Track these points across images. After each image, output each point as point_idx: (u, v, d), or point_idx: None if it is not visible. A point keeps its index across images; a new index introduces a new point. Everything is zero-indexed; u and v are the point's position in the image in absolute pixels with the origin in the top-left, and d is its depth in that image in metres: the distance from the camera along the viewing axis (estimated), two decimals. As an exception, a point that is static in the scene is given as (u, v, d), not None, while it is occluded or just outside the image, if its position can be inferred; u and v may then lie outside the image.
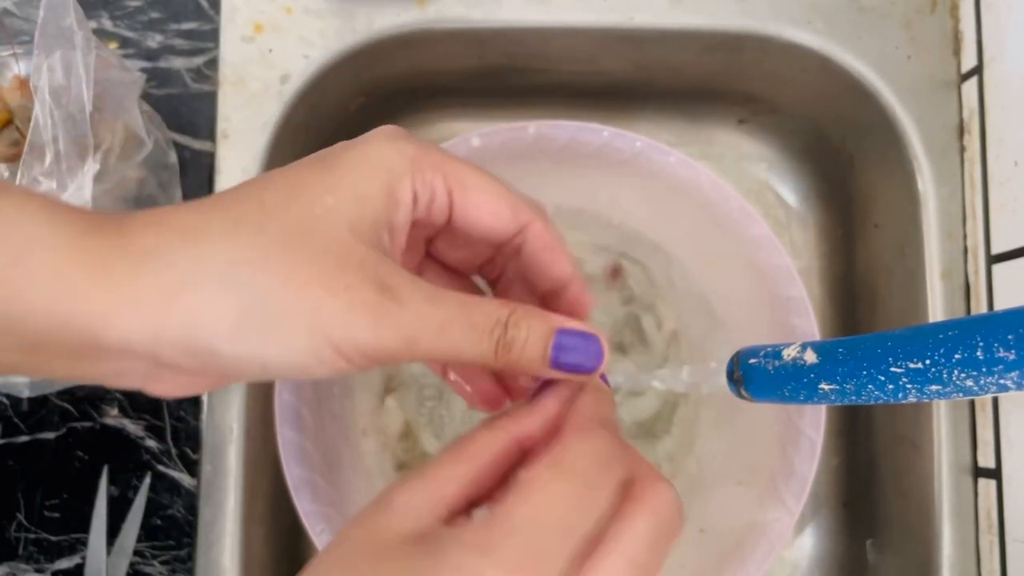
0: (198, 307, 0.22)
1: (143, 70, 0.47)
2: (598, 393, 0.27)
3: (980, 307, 0.45)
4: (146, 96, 0.47)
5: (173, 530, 0.45)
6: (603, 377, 0.28)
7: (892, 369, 0.24)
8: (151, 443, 0.46)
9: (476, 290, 0.33)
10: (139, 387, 0.25)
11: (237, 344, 0.23)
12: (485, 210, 0.27)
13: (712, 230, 0.44)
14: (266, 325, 0.23)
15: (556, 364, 0.25)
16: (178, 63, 0.48)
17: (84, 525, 0.45)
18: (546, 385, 0.27)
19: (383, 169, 0.26)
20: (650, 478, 0.24)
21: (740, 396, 0.30)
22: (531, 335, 0.25)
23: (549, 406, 0.26)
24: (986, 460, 0.44)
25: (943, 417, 0.45)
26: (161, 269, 0.22)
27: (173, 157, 0.46)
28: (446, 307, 0.24)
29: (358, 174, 0.25)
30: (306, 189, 0.25)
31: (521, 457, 0.25)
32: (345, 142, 0.27)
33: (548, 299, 0.30)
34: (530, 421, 0.26)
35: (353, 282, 0.23)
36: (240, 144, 0.46)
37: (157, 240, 0.23)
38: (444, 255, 0.31)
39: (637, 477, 0.23)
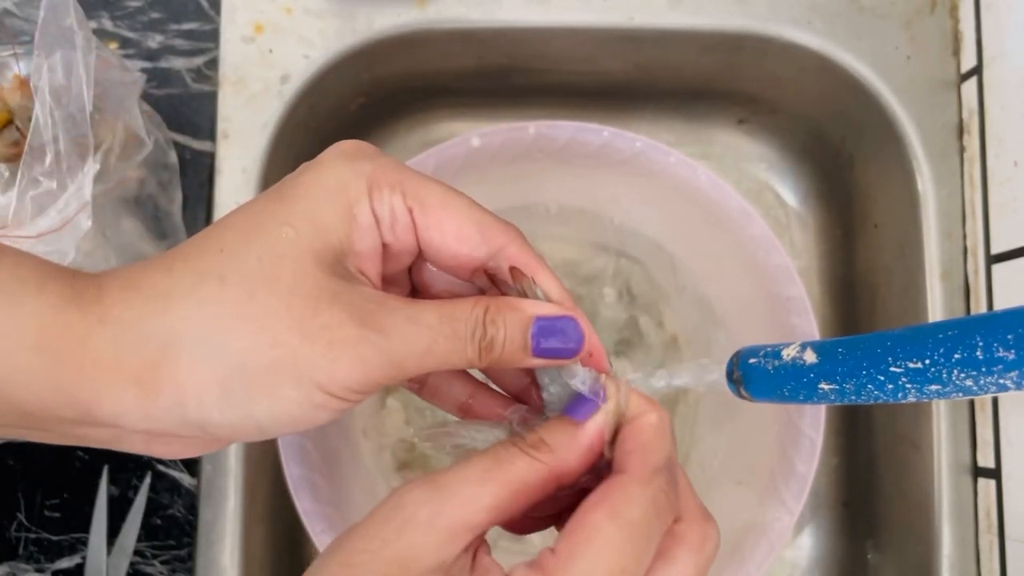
0: (180, 382, 0.22)
1: (143, 70, 0.47)
2: (655, 430, 0.25)
3: (980, 307, 0.45)
4: (146, 96, 0.47)
5: (173, 530, 0.45)
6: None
7: (892, 369, 0.24)
8: (151, 443, 0.46)
9: None
10: (143, 452, 0.25)
11: (226, 412, 0.23)
12: (450, 232, 0.25)
13: (712, 230, 0.44)
14: (251, 387, 0.22)
15: (538, 352, 0.25)
16: (178, 63, 0.48)
17: (84, 525, 0.45)
18: (578, 401, 0.26)
19: (339, 192, 0.24)
20: (696, 518, 0.24)
21: (740, 396, 0.30)
22: (509, 329, 0.25)
23: (588, 438, 0.25)
24: (986, 460, 0.44)
25: (943, 417, 0.45)
26: (139, 343, 0.22)
27: (173, 157, 0.46)
28: (427, 322, 0.24)
29: (314, 201, 0.24)
30: (264, 224, 0.24)
31: (556, 489, 0.24)
32: (304, 164, 0.25)
33: None
34: (571, 457, 0.24)
35: (329, 321, 0.23)
36: (240, 144, 0.46)
37: (131, 311, 0.22)
38: (430, 287, 0.29)
39: (683, 515, 0.24)
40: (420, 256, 0.27)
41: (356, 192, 0.25)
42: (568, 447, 0.24)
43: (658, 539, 0.23)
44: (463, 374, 0.30)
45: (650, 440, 0.25)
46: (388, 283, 0.28)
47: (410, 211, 0.25)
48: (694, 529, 0.24)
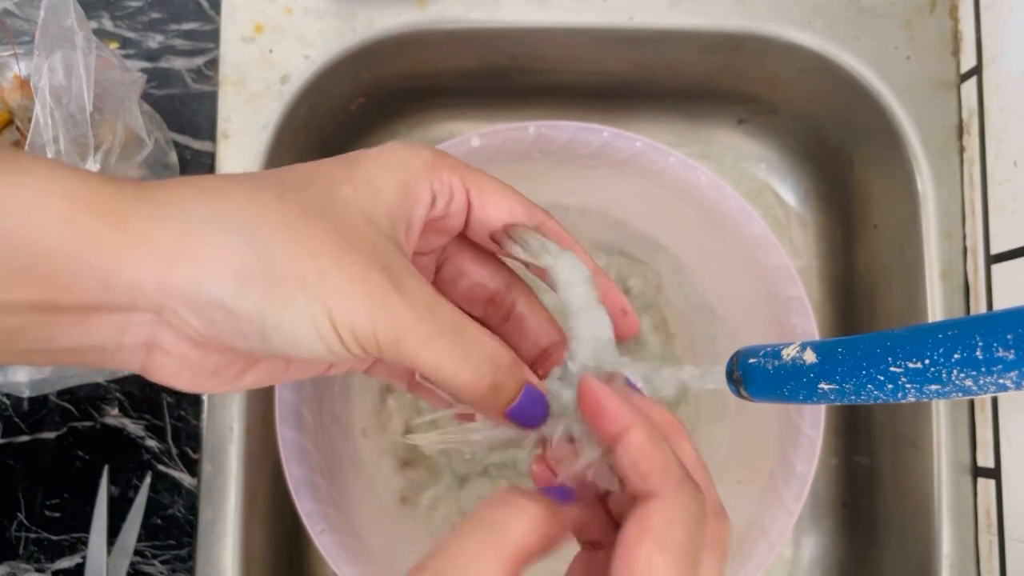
0: (206, 253, 0.22)
1: (143, 70, 0.47)
2: (653, 444, 0.25)
3: (979, 307, 0.45)
4: (146, 96, 0.47)
5: (173, 530, 0.45)
6: (630, 382, 0.28)
7: (891, 369, 0.24)
8: (151, 443, 0.46)
9: None
10: (139, 367, 0.25)
11: (239, 297, 0.22)
12: (504, 205, 0.28)
13: (712, 230, 0.44)
14: (269, 282, 0.23)
15: (509, 414, 0.26)
16: (178, 63, 0.48)
17: (85, 525, 0.45)
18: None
19: (401, 167, 0.26)
20: (718, 516, 0.25)
21: (739, 396, 0.30)
22: (513, 386, 0.26)
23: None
24: (985, 460, 0.44)
25: (943, 417, 0.45)
26: (176, 215, 0.23)
27: (173, 157, 0.46)
28: (441, 317, 0.24)
29: (375, 169, 0.26)
30: (325, 177, 0.25)
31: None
32: (364, 149, 0.28)
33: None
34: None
35: (361, 260, 0.24)
36: (240, 144, 0.46)
37: (177, 193, 0.23)
38: (455, 283, 0.31)
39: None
40: (453, 244, 0.30)
41: (416, 169, 0.27)
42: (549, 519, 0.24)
43: (704, 544, 0.23)
44: None
45: (656, 456, 0.24)
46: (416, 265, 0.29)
47: (467, 191, 0.28)
48: (716, 527, 0.24)
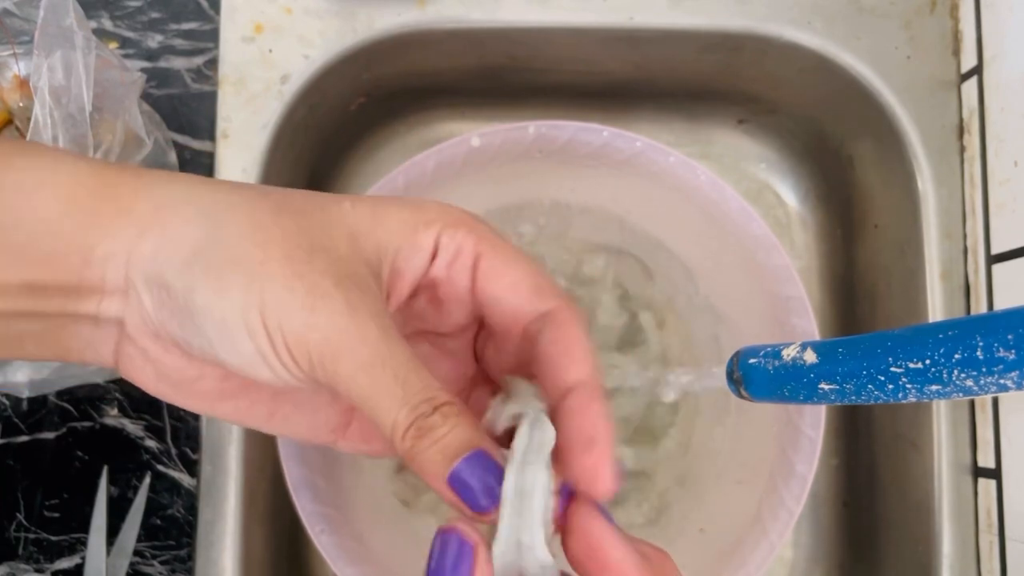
0: (170, 225, 0.22)
1: (143, 70, 0.47)
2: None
3: (980, 307, 0.45)
4: (146, 96, 0.47)
5: (173, 530, 0.45)
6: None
7: (892, 369, 0.24)
8: (151, 443, 0.46)
9: None
10: (112, 358, 0.24)
11: (180, 273, 0.22)
12: (506, 280, 0.25)
13: (712, 230, 0.44)
14: (212, 264, 0.22)
15: (453, 480, 0.21)
16: (178, 63, 0.48)
17: (84, 525, 0.45)
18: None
19: (418, 209, 0.24)
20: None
21: (740, 396, 0.30)
22: (449, 436, 0.21)
23: None
24: (986, 460, 0.44)
25: (943, 417, 0.45)
26: (156, 188, 0.23)
27: (173, 157, 0.46)
28: (391, 346, 0.22)
29: (391, 202, 0.24)
30: (328, 194, 0.24)
31: None
32: None
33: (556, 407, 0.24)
34: None
35: (316, 264, 0.22)
36: (240, 144, 0.46)
37: (171, 178, 0.23)
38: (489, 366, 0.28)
39: None
40: (483, 332, 0.27)
41: (432, 218, 0.24)
42: None
43: None
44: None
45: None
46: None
47: (477, 256, 0.25)
48: None
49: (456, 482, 0.21)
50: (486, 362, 0.28)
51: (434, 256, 0.25)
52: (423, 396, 0.21)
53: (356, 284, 0.22)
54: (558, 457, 0.23)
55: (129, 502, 0.45)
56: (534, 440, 0.22)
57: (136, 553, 0.45)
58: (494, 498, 0.21)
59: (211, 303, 0.21)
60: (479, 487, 0.21)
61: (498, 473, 0.21)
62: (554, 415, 0.23)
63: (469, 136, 0.41)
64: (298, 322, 0.21)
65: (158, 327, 0.23)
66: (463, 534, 0.21)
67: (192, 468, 0.45)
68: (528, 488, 0.22)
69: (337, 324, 0.21)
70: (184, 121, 0.47)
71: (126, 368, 0.24)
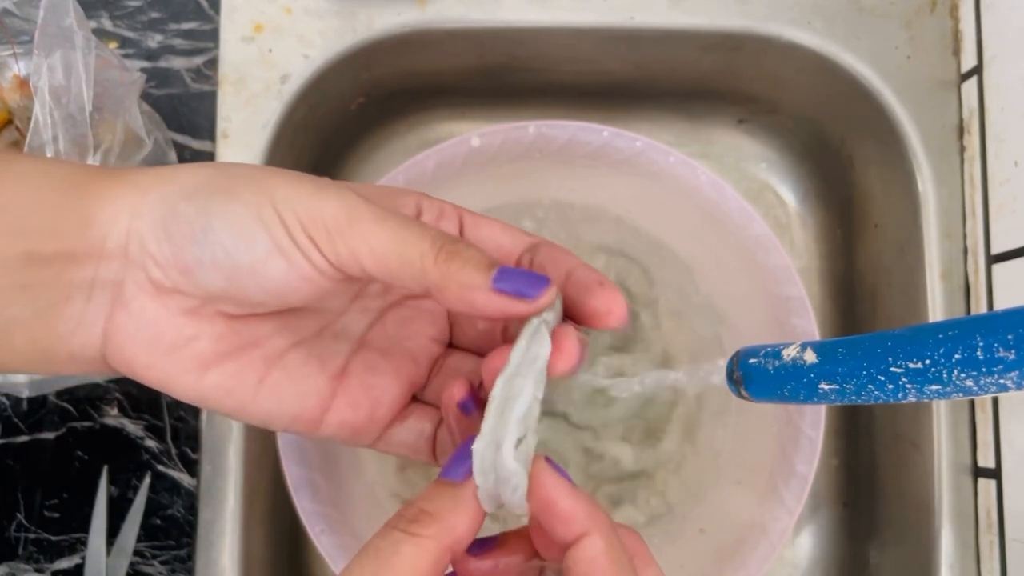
0: (172, 179, 0.24)
1: (143, 70, 0.47)
2: (643, 561, 0.24)
3: (980, 307, 0.45)
4: (146, 96, 0.47)
5: (173, 530, 0.45)
6: (554, 465, 0.24)
7: (892, 369, 0.24)
8: (151, 443, 0.46)
9: None
10: (100, 333, 0.24)
11: (191, 200, 0.23)
12: (497, 225, 0.27)
13: (712, 230, 0.44)
14: (221, 187, 0.23)
15: (498, 286, 0.23)
16: (178, 63, 0.48)
17: (84, 525, 0.45)
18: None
19: (394, 187, 0.27)
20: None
21: (740, 396, 0.30)
22: (478, 255, 0.23)
23: (471, 498, 0.23)
24: (986, 460, 0.44)
25: (943, 417, 0.45)
26: (157, 170, 0.25)
27: (173, 157, 0.46)
28: (395, 210, 0.24)
29: (364, 184, 0.27)
30: None
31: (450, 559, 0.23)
32: None
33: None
34: (458, 522, 0.23)
35: (314, 177, 0.24)
36: (240, 144, 0.46)
37: (160, 168, 0.25)
38: (463, 332, 0.30)
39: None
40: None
41: (405, 191, 0.27)
42: (453, 511, 0.22)
43: None
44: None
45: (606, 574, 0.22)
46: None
47: (460, 214, 0.27)
48: None
49: (502, 281, 0.23)
50: (460, 326, 0.30)
51: (419, 216, 0.27)
52: (440, 231, 0.24)
53: (354, 189, 0.25)
54: (570, 312, 0.25)
55: (129, 502, 0.45)
56: (530, 352, 0.24)
57: (136, 553, 0.45)
58: (542, 285, 0.23)
59: (223, 208, 0.23)
60: (523, 280, 0.23)
61: (534, 275, 0.23)
62: (561, 290, 0.26)
63: (469, 136, 0.41)
64: (309, 205, 0.23)
65: (165, 265, 0.24)
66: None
67: (192, 468, 0.45)
68: (513, 395, 0.23)
69: (346, 197, 0.23)
70: (184, 121, 0.47)
71: (116, 343, 0.24)
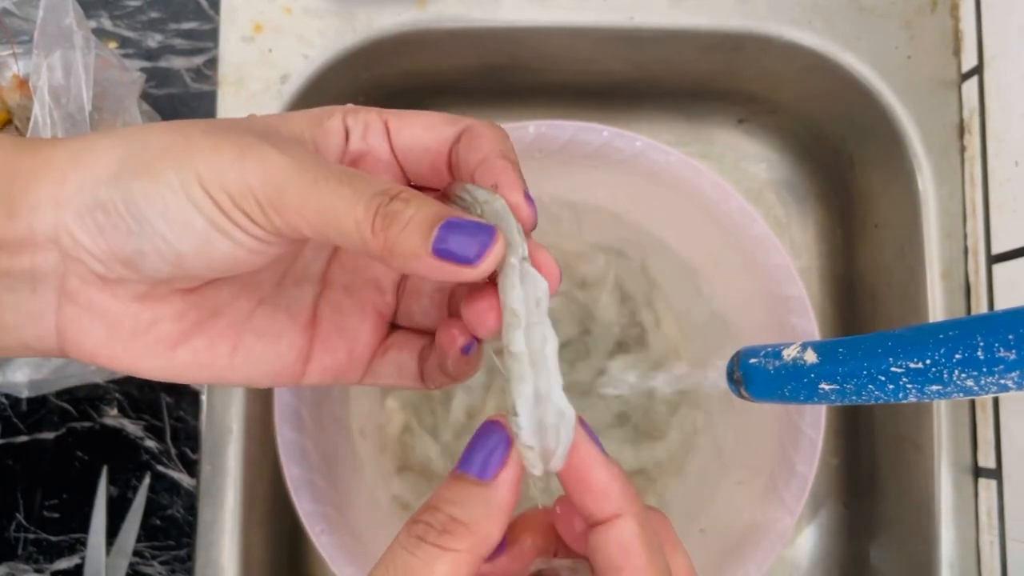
0: (91, 160, 0.22)
1: (143, 70, 0.47)
2: (672, 547, 0.23)
3: (980, 307, 0.45)
4: (146, 96, 0.47)
5: (173, 530, 0.45)
6: (585, 426, 0.24)
7: (892, 369, 0.24)
8: (151, 443, 0.46)
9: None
10: (54, 327, 0.23)
11: (113, 186, 0.22)
12: (418, 124, 0.26)
13: (712, 230, 0.44)
14: (141, 165, 0.22)
15: (438, 250, 0.21)
16: (178, 63, 0.48)
17: (84, 525, 0.45)
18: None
19: (314, 112, 0.26)
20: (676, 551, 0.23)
21: (740, 396, 0.30)
22: (418, 214, 0.21)
23: (504, 499, 0.22)
24: (986, 460, 0.44)
25: (943, 417, 0.45)
26: (74, 145, 0.23)
27: (173, 157, 0.46)
28: (328, 166, 0.22)
29: (290, 112, 0.26)
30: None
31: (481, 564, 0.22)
32: None
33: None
34: (493, 528, 0.21)
35: (236, 130, 0.22)
36: (240, 144, 0.46)
37: (90, 133, 0.24)
38: (412, 312, 0.29)
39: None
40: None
41: (330, 110, 0.26)
42: (487, 519, 0.21)
43: None
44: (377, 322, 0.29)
45: (645, 563, 0.21)
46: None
47: (385, 122, 0.26)
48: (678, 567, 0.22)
49: (442, 245, 0.21)
50: (408, 306, 0.29)
51: (347, 137, 0.26)
52: (375, 190, 0.22)
53: (279, 138, 0.23)
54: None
55: (129, 502, 0.45)
56: (530, 297, 0.23)
57: (136, 553, 0.45)
58: (484, 247, 0.21)
59: (151, 194, 0.22)
60: (465, 240, 0.21)
61: (479, 228, 0.21)
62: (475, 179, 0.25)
63: (469, 136, 0.41)
64: (234, 175, 0.21)
65: (104, 259, 0.23)
66: (504, 426, 0.22)
67: (192, 468, 0.45)
68: (538, 345, 0.22)
69: (271, 163, 0.22)
70: (184, 121, 0.47)
71: (73, 338, 0.24)
